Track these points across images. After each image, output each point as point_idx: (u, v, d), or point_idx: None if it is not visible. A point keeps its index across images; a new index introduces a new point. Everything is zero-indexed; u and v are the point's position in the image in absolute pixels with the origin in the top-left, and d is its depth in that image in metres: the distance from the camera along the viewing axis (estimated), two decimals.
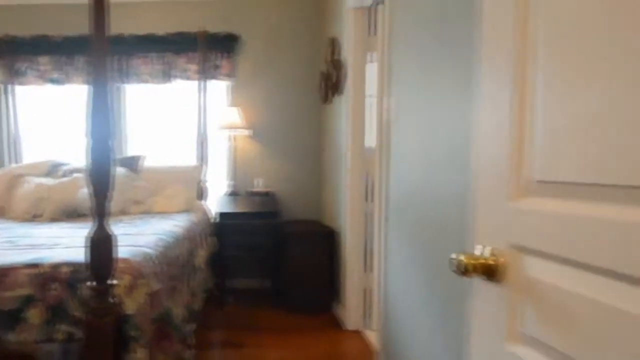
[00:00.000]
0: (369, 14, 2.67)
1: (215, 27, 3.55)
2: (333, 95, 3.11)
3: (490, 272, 0.82)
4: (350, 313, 2.84)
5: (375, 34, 2.54)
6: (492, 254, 0.81)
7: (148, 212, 3.04)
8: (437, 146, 1.48)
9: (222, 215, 3.27)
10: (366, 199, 2.76)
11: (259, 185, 3.52)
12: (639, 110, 0.52)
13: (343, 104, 2.85)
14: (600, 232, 0.58)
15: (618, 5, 0.55)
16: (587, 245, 0.61)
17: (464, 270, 0.83)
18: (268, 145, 3.68)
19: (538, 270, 0.72)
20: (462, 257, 0.83)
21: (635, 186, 0.53)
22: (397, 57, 1.77)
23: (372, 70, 2.59)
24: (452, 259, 0.85)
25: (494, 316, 0.82)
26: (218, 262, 3.28)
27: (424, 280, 1.59)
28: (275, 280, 3.45)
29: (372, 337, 2.49)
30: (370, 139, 2.64)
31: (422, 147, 1.59)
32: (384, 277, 1.96)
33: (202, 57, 3.48)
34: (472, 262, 0.82)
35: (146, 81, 3.61)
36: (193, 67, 3.57)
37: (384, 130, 1.89)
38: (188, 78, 3.59)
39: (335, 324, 2.95)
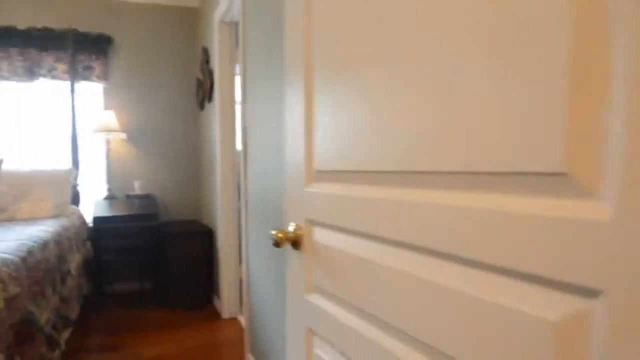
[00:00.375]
0: (236, 28, 2.87)
1: (87, 26, 3.44)
2: (207, 101, 3.25)
3: (295, 242, 1.06)
4: (227, 303, 3.04)
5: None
6: (296, 228, 1.06)
7: (11, 220, 2.86)
8: (271, 147, 1.78)
9: (99, 219, 3.19)
10: (239, 198, 2.96)
11: (138, 188, 3.50)
12: (369, 119, 0.78)
13: (215, 110, 3.02)
14: (355, 205, 0.83)
15: (363, 41, 0.82)
16: (348, 215, 0.86)
17: (278, 243, 1.06)
18: (146, 148, 3.67)
19: (321, 236, 0.98)
20: (276, 233, 1.06)
21: (372, 171, 0.79)
22: (251, 70, 2.01)
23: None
24: (270, 234, 1.08)
25: (298, 275, 1.07)
26: (95, 267, 3.20)
27: (269, 258, 1.86)
28: (157, 281, 3.47)
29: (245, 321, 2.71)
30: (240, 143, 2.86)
31: (264, 149, 1.88)
32: (247, 264, 2.19)
33: (72, 56, 3.36)
34: (283, 235, 1.06)
35: (6, 78, 3.36)
36: (61, 66, 3.41)
37: (244, 135, 2.11)
38: (56, 77, 3.42)
39: (214, 315, 3.12)
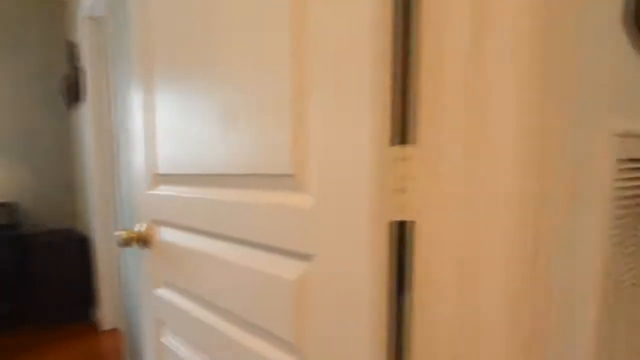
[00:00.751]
0: (105, 24, 2.78)
1: None
2: (77, 101, 3.09)
3: (144, 241, 1.15)
4: (107, 313, 2.96)
5: None
6: (143, 228, 1.15)
7: None
8: (128, 152, 1.84)
9: None
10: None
11: None
12: (188, 129, 0.91)
13: (87, 111, 2.89)
14: (184, 205, 0.95)
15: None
16: (181, 213, 0.97)
17: (126, 242, 1.14)
18: (1, 152, 3.35)
19: (164, 234, 1.08)
20: (123, 233, 1.14)
21: (194, 174, 0.92)
22: (119, 70, 2.00)
23: None
24: (116, 235, 1.15)
25: (148, 271, 1.17)
26: None
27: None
28: (22, 298, 3.21)
29: None
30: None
31: (126, 153, 1.91)
32: (123, 270, 2.19)
33: None
34: (131, 236, 1.14)
35: None
36: None
37: (115, 139, 2.11)
38: None
39: (94, 328, 3.00)
